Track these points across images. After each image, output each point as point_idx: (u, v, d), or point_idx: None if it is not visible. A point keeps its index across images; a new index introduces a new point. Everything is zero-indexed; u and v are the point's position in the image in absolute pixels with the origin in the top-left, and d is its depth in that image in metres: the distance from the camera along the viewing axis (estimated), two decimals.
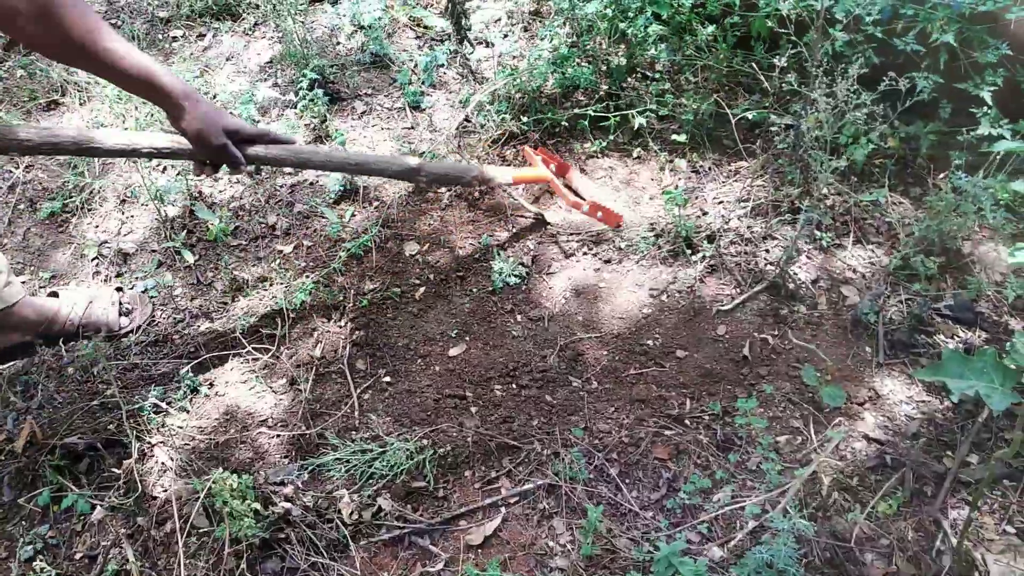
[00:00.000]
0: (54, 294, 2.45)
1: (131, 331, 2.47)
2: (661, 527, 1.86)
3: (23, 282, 2.61)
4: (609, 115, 2.84)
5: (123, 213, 2.90)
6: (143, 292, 2.57)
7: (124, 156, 1.99)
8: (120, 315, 2.45)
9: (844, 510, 1.88)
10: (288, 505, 1.90)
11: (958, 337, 2.23)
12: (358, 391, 2.24)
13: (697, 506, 1.92)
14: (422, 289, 2.53)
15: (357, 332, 2.40)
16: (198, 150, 1.90)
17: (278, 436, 2.14)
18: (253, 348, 2.35)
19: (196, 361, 2.35)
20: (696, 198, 2.69)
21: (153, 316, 2.52)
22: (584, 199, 2.64)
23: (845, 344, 2.26)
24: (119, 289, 2.54)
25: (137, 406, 2.16)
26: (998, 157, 2.34)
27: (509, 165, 2.85)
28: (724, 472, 1.98)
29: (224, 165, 1.96)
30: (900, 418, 2.07)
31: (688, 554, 1.79)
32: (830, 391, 2.09)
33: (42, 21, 1.52)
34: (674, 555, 1.72)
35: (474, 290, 2.51)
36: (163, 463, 2.05)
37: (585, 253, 2.58)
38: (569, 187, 2.75)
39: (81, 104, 3.34)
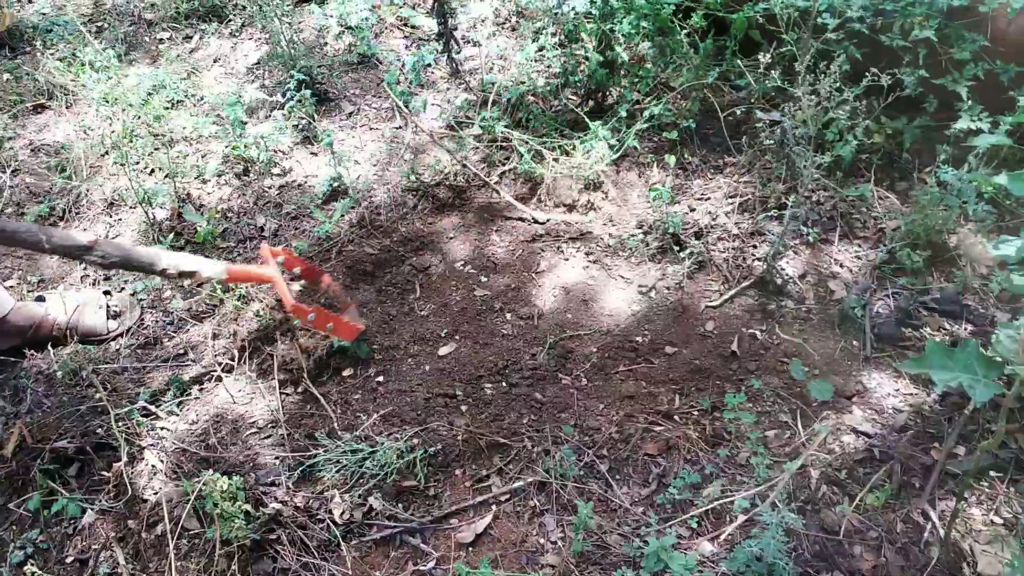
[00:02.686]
0: (40, 299, 2.44)
1: (120, 334, 2.46)
2: (651, 522, 1.87)
3: (10, 287, 2.60)
4: (600, 111, 2.85)
5: (111, 216, 2.89)
6: (132, 295, 2.56)
7: None
8: (108, 318, 2.44)
9: (833, 503, 1.89)
10: (279, 506, 1.90)
11: (944, 330, 2.25)
12: (348, 391, 2.25)
13: (687, 501, 1.93)
14: (413, 289, 2.53)
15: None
16: None
17: (268, 437, 2.13)
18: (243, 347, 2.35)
19: (185, 364, 2.34)
20: (684, 195, 2.70)
21: (142, 319, 2.51)
22: (335, 305, 2.36)
23: (832, 338, 2.28)
24: (107, 293, 2.53)
25: (126, 410, 2.15)
26: (982, 151, 2.35)
27: (492, 161, 2.85)
28: (713, 467, 1.99)
29: None
30: (887, 411, 2.08)
31: (678, 548, 1.79)
32: (818, 385, 2.11)
33: None
34: (664, 549, 1.73)
35: (463, 289, 2.51)
36: (153, 466, 2.04)
37: (574, 251, 2.59)
38: (316, 293, 2.42)
39: (68, 107, 3.33)
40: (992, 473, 1.91)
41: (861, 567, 1.78)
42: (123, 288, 2.62)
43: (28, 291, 2.64)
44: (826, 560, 1.80)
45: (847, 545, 1.81)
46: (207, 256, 2.68)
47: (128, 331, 2.47)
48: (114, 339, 2.46)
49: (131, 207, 2.90)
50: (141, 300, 2.57)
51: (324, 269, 2.49)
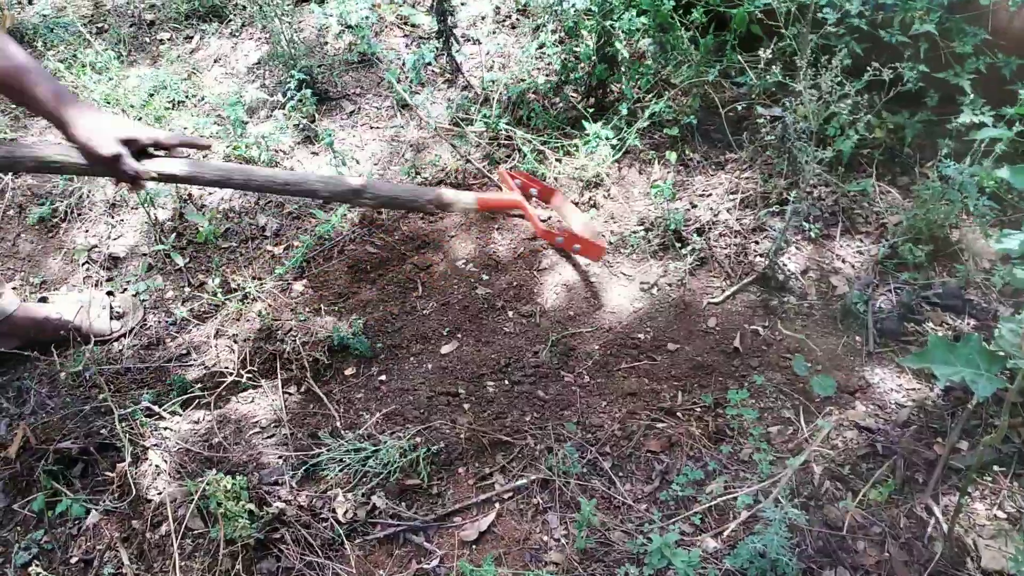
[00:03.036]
0: (44, 299, 2.44)
1: (123, 335, 2.46)
2: (654, 519, 1.87)
3: (13, 288, 2.61)
4: (601, 108, 2.85)
5: (113, 217, 2.90)
6: (134, 295, 2.57)
7: (8, 171, 1.83)
8: (112, 319, 2.45)
9: (836, 498, 1.89)
10: (282, 505, 1.90)
11: (947, 325, 2.25)
12: (351, 390, 2.25)
13: (690, 498, 1.93)
14: (415, 287, 2.54)
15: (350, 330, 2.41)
16: (91, 164, 1.70)
17: (271, 437, 2.14)
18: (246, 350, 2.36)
19: (187, 364, 2.35)
20: (685, 191, 2.70)
21: (145, 319, 2.52)
22: (567, 228, 2.45)
23: (835, 334, 2.28)
24: (110, 293, 2.54)
25: (129, 410, 2.15)
26: (983, 145, 2.35)
27: (501, 163, 2.85)
28: (716, 463, 1.99)
29: (120, 179, 1.74)
30: (890, 406, 2.08)
31: (682, 545, 1.79)
32: (820, 381, 2.11)
33: None
34: (668, 546, 1.73)
35: (465, 287, 2.51)
36: (157, 466, 2.05)
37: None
38: (553, 213, 2.60)
39: None
40: (995, 468, 1.91)
41: (864, 562, 1.78)
42: (125, 289, 2.62)
43: (31, 292, 2.64)
44: (829, 556, 1.80)
45: (850, 540, 1.81)
46: (209, 257, 2.69)
47: (131, 332, 2.48)
48: (117, 340, 2.46)
49: (132, 208, 2.90)
50: (143, 301, 2.58)
51: (554, 187, 2.59)
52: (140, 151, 1.74)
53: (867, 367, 2.18)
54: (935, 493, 1.88)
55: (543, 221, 2.54)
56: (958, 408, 2.03)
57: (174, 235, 2.73)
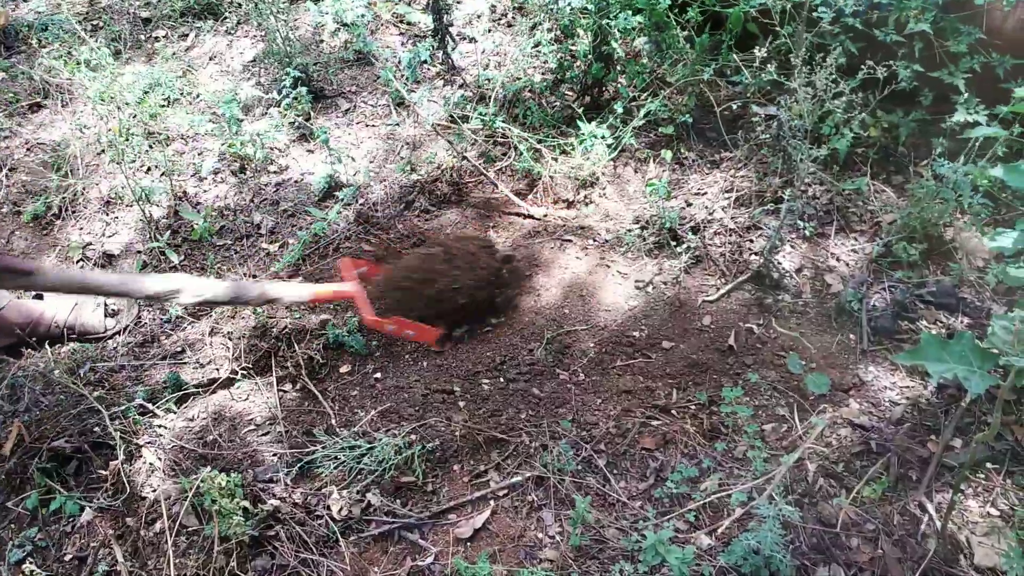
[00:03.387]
0: (39, 296, 2.44)
1: (117, 332, 2.46)
2: (649, 516, 1.87)
3: None
4: (596, 107, 2.85)
5: (107, 215, 2.89)
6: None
7: None
8: (106, 316, 2.44)
9: (830, 496, 1.89)
10: (277, 502, 1.90)
11: (941, 323, 2.25)
12: (346, 388, 2.25)
13: (684, 495, 1.93)
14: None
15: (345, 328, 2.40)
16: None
17: (266, 434, 2.14)
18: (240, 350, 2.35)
19: (182, 362, 2.35)
20: (681, 190, 2.71)
21: (139, 317, 2.51)
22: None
23: (829, 332, 2.28)
24: None
25: (123, 408, 2.15)
26: (977, 144, 2.36)
27: (498, 160, 2.85)
28: (711, 461, 1.99)
29: None
30: (884, 404, 2.08)
31: (676, 542, 1.80)
32: (815, 379, 2.11)
33: None
34: (662, 543, 1.73)
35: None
36: (151, 464, 2.05)
37: (572, 247, 2.59)
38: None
39: (63, 106, 3.32)
40: (989, 465, 1.92)
41: (858, 559, 1.78)
42: None
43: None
44: (823, 552, 1.80)
45: (844, 537, 1.82)
46: (204, 254, 2.68)
47: (125, 329, 2.47)
48: (111, 337, 2.46)
49: (128, 205, 2.90)
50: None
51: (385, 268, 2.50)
52: None
53: (861, 365, 2.18)
54: (928, 490, 1.88)
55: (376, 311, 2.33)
56: (951, 406, 2.04)
57: (169, 232, 2.73)
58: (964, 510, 1.85)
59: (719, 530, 1.84)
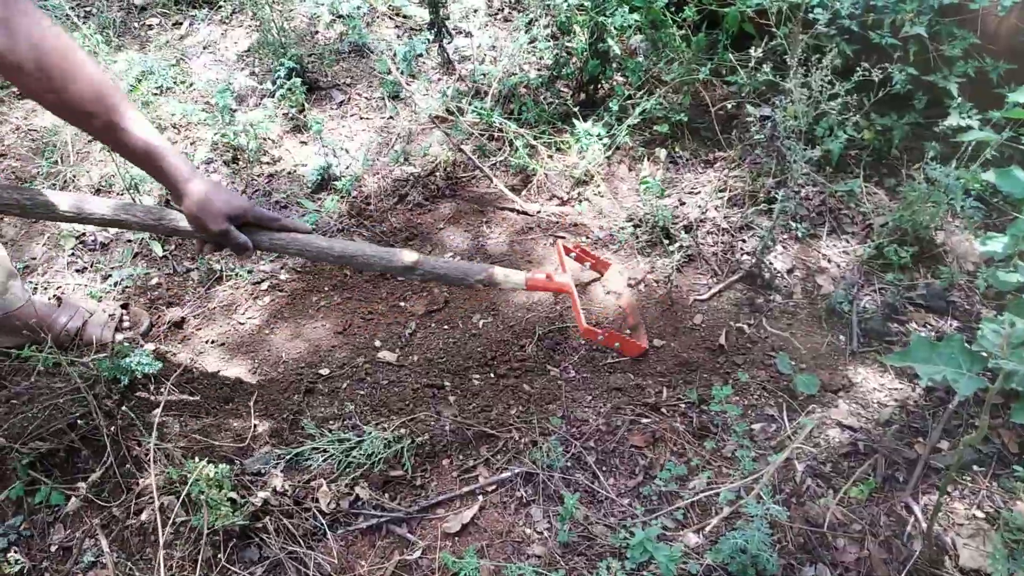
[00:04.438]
0: (58, 299, 2.39)
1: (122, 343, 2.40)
2: (637, 513, 1.87)
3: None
4: (591, 104, 2.85)
5: None
6: (148, 305, 2.50)
7: (112, 226, 1.92)
8: (116, 331, 2.39)
9: (817, 496, 1.90)
10: (266, 495, 1.89)
11: (930, 326, 2.27)
12: (336, 380, 2.24)
13: (673, 493, 1.94)
14: (402, 280, 2.53)
15: (334, 320, 2.40)
16: (197, 233, 1.83)
17: (255, 425, 2.13)
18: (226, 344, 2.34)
19: (175, 353, 2.33)
20: (674, 188, 2.71)
21: (152, 326, 2.45)
22: (609, 328, 2.31)
23: (819, 333, 2.29)
24: (124, 306, 2.46)
25: (113, 398, 2.13)
26: (970, 147, 2.37)
27: (492, 155, 2.85)
28: (700, 459, 2.00)
29: (228, 248, 1.86)
30: (873, 405, 2.09)
31: (664, 540, 1.80)
32: (804, 379, 2.12)
33: (46, 82, 1.48)
34: (649, 540, 1.74)
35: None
36: (138, 456, 2.03)
37: (563, 243, 2.59)
38: (603, 283, 2.47)
39: None
40: (975, 468, 1.93)
41: (844, 559, 1.79)
42: (109, 275, 2.59)
43: (37, 288, 2.60)
44: (810, 552, 1.81)
45: (831, 537, 1.82)
46: (192, 243, 2.66)
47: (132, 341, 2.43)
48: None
49: (119, 193, 2.88)
50: (127, 287, 2.55)
51: (608, 261, 2.45)
52: (247, 224, 1.87)
53: (850, 366, 2.19)
54: (915, 492, 1.90)
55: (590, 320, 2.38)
56: (939, 408, 2.05)
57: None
58: (950, 512, 1.86)
59: (707, 528, 1.85)
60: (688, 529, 1.86)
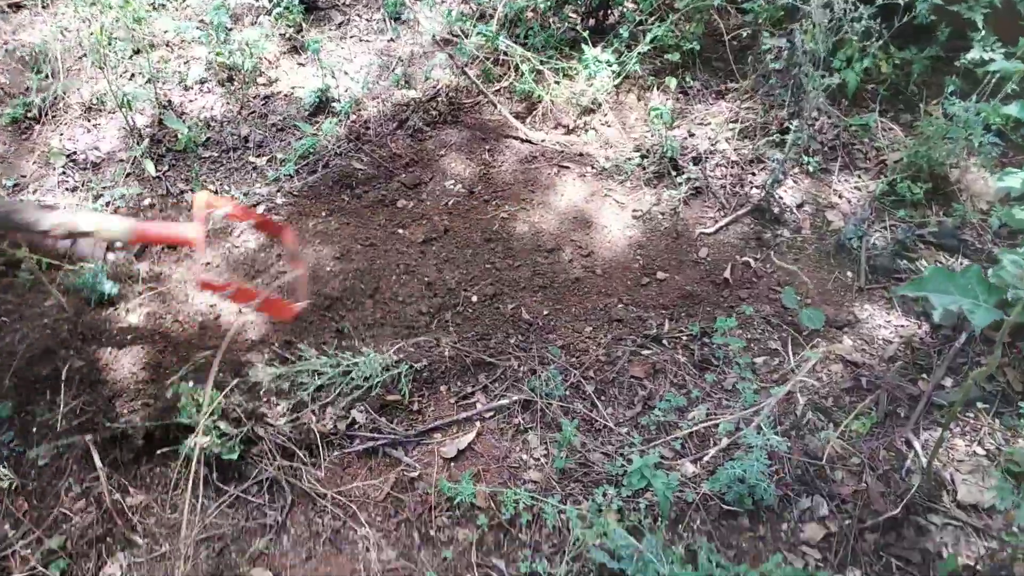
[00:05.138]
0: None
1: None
2: (635, 443, 1.86)
3: None
4: (600, 31, 2.74)
5: (89, 121, 2.78)
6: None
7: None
8: (108, 250, 2.33)
9: (817, 429, 1.89)
10: (263, 412, 1.87)
11: (940, 263, 2.22)
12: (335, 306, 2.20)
13: (671, 423, 1.92)
14: (403, 206, 2.47)
15: (332, 246, 2.35)
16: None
17: (252, 347, 2.09)
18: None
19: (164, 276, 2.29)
20: (684, 119, 2.63)
21: (144, 247, 2.38)
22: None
23: (827, 269, 2.24)
24: None
25: (105, 312, 2.09)
26: (991, 83, 2.29)
27: (497, 81, 2.75)
28: (700, 391, 1.98)
29: None
30: (878, 342, 2.06)
31: (661, 468, 1.79)
32: (810, 313, 2.08)
33: None
34: (647, 468, 1.72)
35: (453, 209, 2.45)
36: (124, 366, 2.00)
37: (569, 174, 2.52)
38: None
39: (44, 7, 3.17)
40: (979, 405, 1.91)
41: (841, 492, 1.78)
42: (101, 194, 2.52)
43: (7, 194, 2.54)
44: (807, 484, 1.80)
45: (829, 470, 1.81)
46: (188, 165, 2.59)
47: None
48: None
49: (110, 112, 2.79)
50: (120, 207, 2.49)
51: (284, 224, 2.22)
52: None
53: (857, 303, 2.15)
54: (916, 428, 1.88)
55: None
56: (945, 346, 2.02)
57: (151, 141, 2.63)
58: (950, 448, 1.85)
59: (705, 459, 1.84)
60: (686, 459, 1.85)
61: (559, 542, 1.71)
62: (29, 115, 2.76)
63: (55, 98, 2.80)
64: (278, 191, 2.53)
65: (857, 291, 2.17)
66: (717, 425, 1.88)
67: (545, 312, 2.17)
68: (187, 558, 1.69)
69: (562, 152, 2.57)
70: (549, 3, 2.89)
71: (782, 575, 1.57)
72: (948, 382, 1.96)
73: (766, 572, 1.57)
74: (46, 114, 2.78)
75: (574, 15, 2.92)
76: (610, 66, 2.64)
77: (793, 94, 2.49)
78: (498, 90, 2.76)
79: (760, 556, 1.68)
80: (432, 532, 1.75)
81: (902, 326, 2.09)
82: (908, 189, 2.31)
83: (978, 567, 1.58)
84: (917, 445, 1.84)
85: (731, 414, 1.90)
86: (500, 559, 1.70)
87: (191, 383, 1.88)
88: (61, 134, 2.73)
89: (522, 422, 1.93)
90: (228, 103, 2.78)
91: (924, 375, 1.98)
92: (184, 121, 2.69)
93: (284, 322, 2.00)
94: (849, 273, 2.22)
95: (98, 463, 1.80)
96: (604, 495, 1.73)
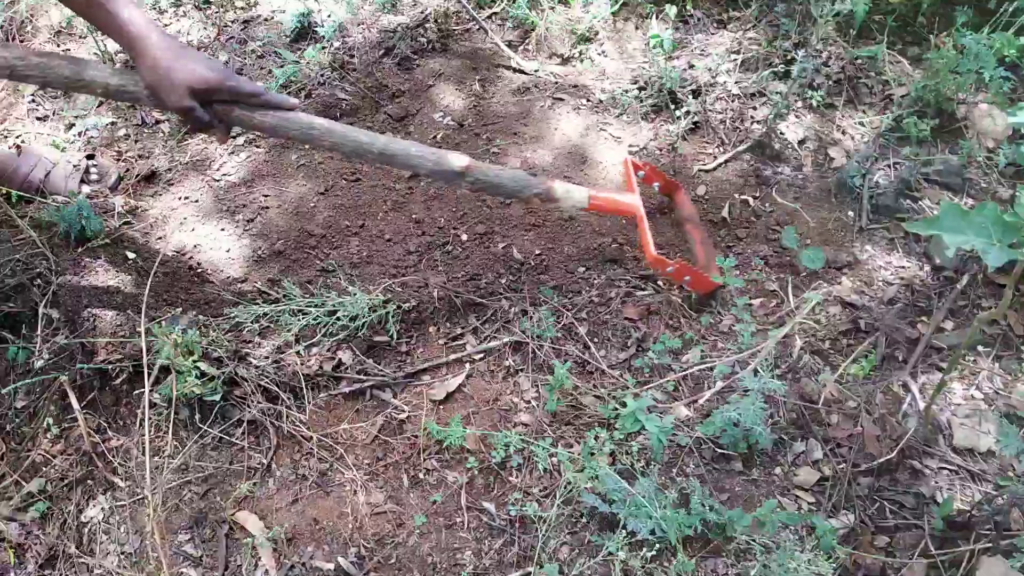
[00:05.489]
0: (18, 148, 2.22)
1: (90, 198, 2.25)
2: (628, 385, 1.82)
3: None
4: None
5: (58, 46, 2.64)
6: (116, 156, 2.32)
7: (76, 90, 1.56)
8: (82, 183, 2.22)
9: (814, 372, 1.85)
10: (246, 352, 1.81)
11: (944, 204, 2.15)
12: (319, 244, 2.13)
13: (665, 366, 1.88)
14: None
15: (316, 181, 2.25)
16: (158, 106, 1.52)
17: (232, 284, 2.02)
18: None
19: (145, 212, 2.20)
20: (684, 50, 2.51)
21: (120, 180, 2.28)
22: (689, 242, 2.06)
23: (827, 208, 2.18)
24: (90, 156, 2.27)
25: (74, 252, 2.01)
26: (1006, 13, 2.18)
27: (493, 2, 2.61)
28: (694, 333, 1.93)
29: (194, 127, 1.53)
30: (877, 283, 2.01)
31: (654, 412, 1.75)
32: (810, 254, 2.02)
33: None
34: (640, 411, 1.68)
35: (443, 142, 2.35)
36: (103, 304, 1.93)
37: (564, 106, 2.41)
38: (671, 212, 2.18)
39: None
40: (979, 348, 1.87)
41: (836, 435, 1.75)
42: (84, 132, 2.39)
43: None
44: (802, 428, 1.77)
45: (824, 414, 1.78)
46: None
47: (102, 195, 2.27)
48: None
49: (80, 37, 2.64)
50: (93, 138, 2.38)
51: (680, 183, 2.13)
52: (218, 100, 1.51)
53: (857, 243, 2.09)
54: (914, 371, 1.85)
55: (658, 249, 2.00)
56: (946, 288, 1.98)
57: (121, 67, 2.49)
58: (947, 392, 1.82)
59: (699, 402, 1.80)
60: (679, 402, 1.81)
61: (550, 485, 1.68)
62: None
63: (22, 21, 2.65)
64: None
65: (858, 231, 2.11)
66: (712, 368, 1.84)
67: (537, 251, 2.10)
68: (168, 500, 1.66)
69: (557, 83, 2.46)
70: None
71: (776, 520, 1.55)
72: (948, 325, 1.92)
73: (760, 517, 1.55)
74: (13, 38, 2.63)
75: None
76: None
77: (799, 24, 2.37)
78: (490, 16, 2.62)
79: (753, 499, 1.66)
80: (421, 475, 1.72)
81: (903, 267, 2.04)
82: (914, 125, 2.23)
83: (974, 512, 1.56)
84: (915, 389, 1.81)
85: (727, 356, 1.86)
86: (490, 502, 1.67)
87: (170, 323, 1.82)
88: None
89: (513, 364, 1.89)
90: (205, 28, 2.64)
91: (924, 318, 1.94)
92: None
93: (701, 293, 1.96)
94: (850, 213, 2.15)
95: (75, 404, 1.74)
96: (596, 439, 1.69)
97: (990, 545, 1.52)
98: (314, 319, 1.89)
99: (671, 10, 2.55)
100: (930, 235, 1.26)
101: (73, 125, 2.41)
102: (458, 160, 1.72)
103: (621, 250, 2.09)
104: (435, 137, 2.36)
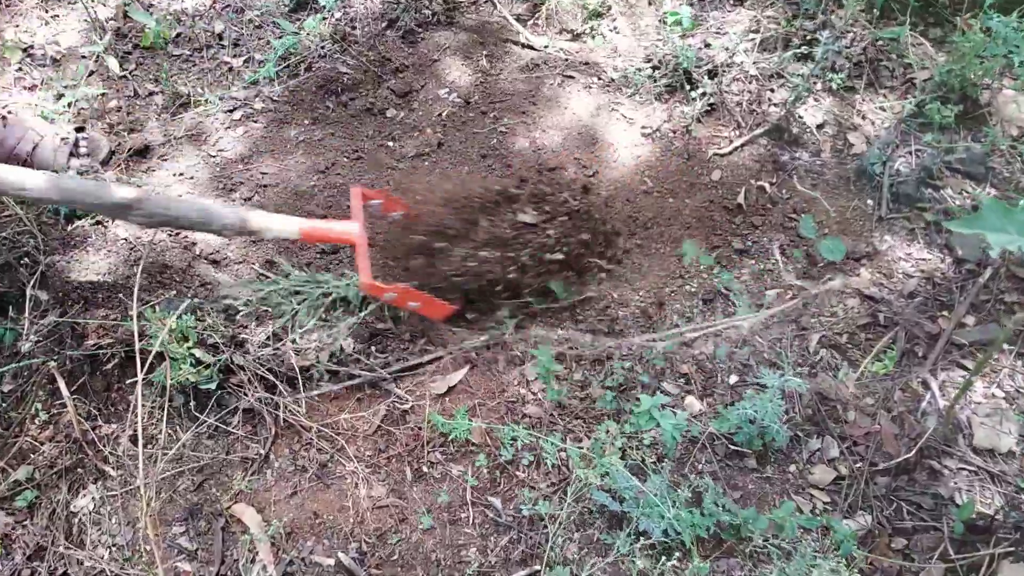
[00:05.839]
0: (3, 119, 2.12)
1: (81, 173, 2.15)
2: (641, 378, 1.75)
3: None
4: None
5: (47, 12, 2.53)
6: (107, 129, 2.22)
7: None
8: (71, 157, 2.12)
9: (831, 367, 1.79)
10: (243, 339, 1.74)
11: (966, 193, 2.09)
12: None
13: (678, 357, 1.81)
14: (392, 115, 2.28)
15: (315, 158, 2.17)
16: None
17: (227, 266, 1.94)
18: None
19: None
20: (700, 28, 2.42)
21: (112, 154, 2.18)
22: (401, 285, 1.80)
23: (846, 196, 2.11)
24: (80, 129, 2.18)
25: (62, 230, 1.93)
26: None
27: None
28: (708, 324, 1.86)
29: None
30: (897, 276, 1.95)
31: (667, 408, 1.69)
32: (829, 244, 1.96)
33: None
34: (655, 409, 1.62)
35: (447, 119, 2.26)
36: (93, 285, 1.85)
37: (574, 84, 2.32)
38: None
39: None
40: (1004, 346, 1.81)
41: (853, 433, 1.70)
42: (77, 107, 2.29)
43: None
44: (817, 424, 1.72)
45: (841, 410, 1.73)
46: (158, 64, 2.37)
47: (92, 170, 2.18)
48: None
49: (71, 3, 2.53)
50: (83, 109, 2.28)
51: (404, 202, 1.95)
52: None
53: (876, 233, 2.03)
54: (934, 368, 1.79)
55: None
56: (968, 282, 1.91)
57: (114, 36, 2.39)
58: (968, 390, 1.76)
59: (712, 396, 1.74)
60: (692, 396, 1.75)
61: (558, 481, 1.62)
62: None
63: None
64: (256, 96, 2.32)
65: (877, 220, 2.04)
66: (726, 361, 1.78)
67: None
68: (162, 491, 1.60)
69: (567, 60, 2.37)
70: None
71: (795, 524, 1.50)
72: (970, 320, 1.86)
73: (777, 519, 1.50)
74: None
75: None
76: None
77: (820, 1, 2.28)
78: None
79: (767, 498, 1.61)
80: (425, 468, 1.66)
81: (923, 259, 1.97)
82: (937, 111, 2.15)
83: (996, 516, 1.51)
84: (935, 386, 1.75)
85: (741, 349, 1.80)
86: (496, 497, 1.62)
87: (165, 307, 1.74)
88: (16, 25, 2.49)
89: (520, 354, 1.82)
90: None
91: (945, 312, 1.87)
92: (152, 14, 2.45)
93: (436, 319, 1.85)
94: (869, 201, 2.08)
95: (64, 390, 1.67)
96: (607, 432, 1.63)
97: (1012, 550, 1.47)
98: (314, 302, 1.81)
99: None
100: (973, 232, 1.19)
101: (62, 95, 2.31)
102: (123, 192, 1.54)
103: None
104: (440, 115, 2.27)
